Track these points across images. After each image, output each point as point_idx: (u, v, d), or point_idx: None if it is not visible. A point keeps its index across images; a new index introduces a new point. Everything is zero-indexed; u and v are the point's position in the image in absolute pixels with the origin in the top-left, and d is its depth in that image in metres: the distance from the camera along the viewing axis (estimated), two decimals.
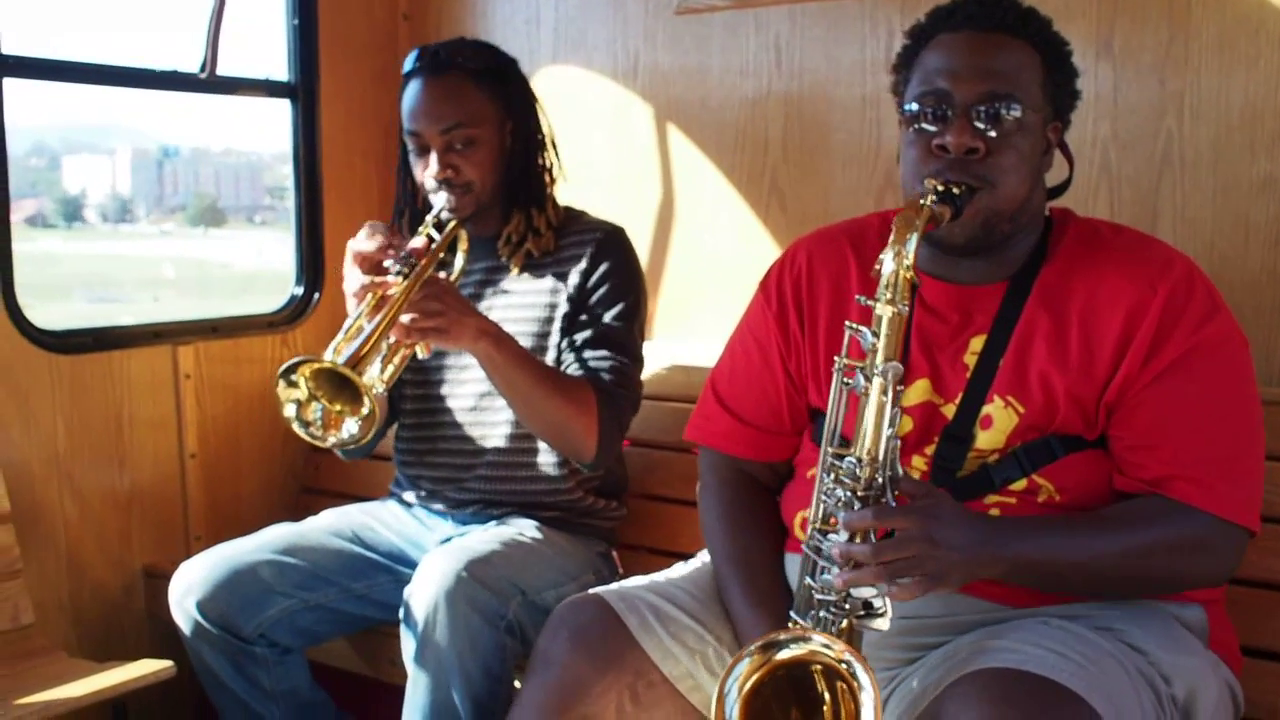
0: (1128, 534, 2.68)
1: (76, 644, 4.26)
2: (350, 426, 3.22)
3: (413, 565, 3.80)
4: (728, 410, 3.24)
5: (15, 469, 4.15)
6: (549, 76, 4.98)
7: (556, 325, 3.82)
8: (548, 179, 3.96)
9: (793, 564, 3.02)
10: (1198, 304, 2.74)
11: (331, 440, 3.25)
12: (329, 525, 4.03)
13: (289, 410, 3.20)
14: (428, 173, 3.76)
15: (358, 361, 3.17)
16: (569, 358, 3.78)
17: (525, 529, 3.78)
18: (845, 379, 2.61)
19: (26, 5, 4.30)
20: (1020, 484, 2.79)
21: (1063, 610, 2.72)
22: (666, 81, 4.78)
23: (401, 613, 3.49)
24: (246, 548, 3.82)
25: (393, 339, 3.40)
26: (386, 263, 3.43)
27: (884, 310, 2.55)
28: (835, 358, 2.64)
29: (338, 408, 3.21)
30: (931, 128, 2.75)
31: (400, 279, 3.38)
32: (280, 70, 5.03)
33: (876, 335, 2.55)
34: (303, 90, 5.02)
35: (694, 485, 3.56)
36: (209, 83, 4.73)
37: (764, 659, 2.47)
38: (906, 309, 2.56)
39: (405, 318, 3.36)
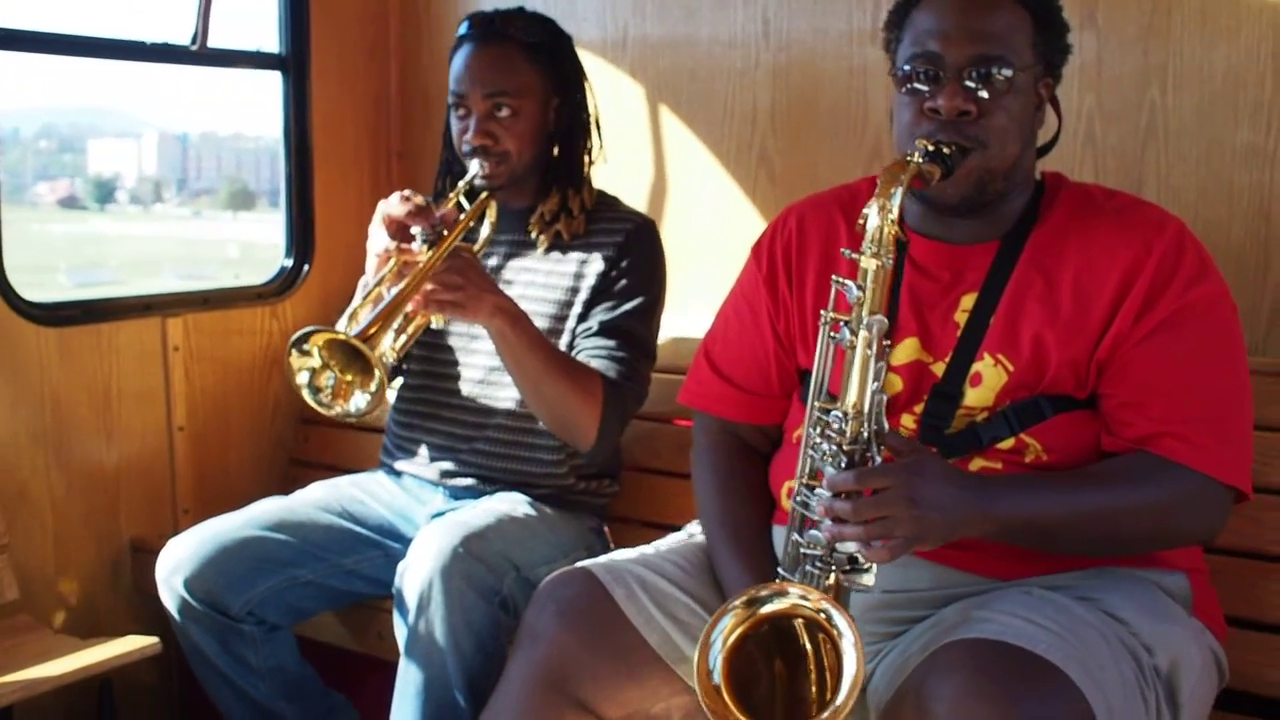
0: (1114, 491, 2.70)
1: (62, 620, 4.26)
2: (359, 400, 3.25)
3: (403, 540, 3.81)
4: (719, 374, 3.26)
5: (2, 442, 4.15)
6: None
7: (575, 310, 3.82)
8: (587, 160, 3.97)
9: (779, 536, 3.02)
10: (1190, 264, 2.76)
11: (338, 410, 3.28)
12: (318, 500, 4.02)
13: (302, 378, 3.24)
14: (466, 136, 3.78)
15: (370, 335, 3.19)
16: (582, 344, 3.78)
17: (518, 504, 3.78)
18: (832, 333, 2.62)
19: None
20: (1008, 443, 2.80)
21: (1046, 581, 2.74)
22: (655, 53, 4.77)
23: (395, 587, 3.49)
24: (234, 524, 3.80)
25: (410, 308, 3.42)
26: (414, 229, 3.44)
27: (869, 263, 2.56)
28: (821, 311, 2.66)
29: (349, 378, 3.24)
30: (923, 88, 2.77)
31: (425, 248, 3.41)
32: (271, 42, 5.00)
33: (862, 289, 2.56)
34: (293, 62, 5.00)
35: (685, 457, 3.56)
36: (200, 55, 4.71)
37: (747, 614, 2.51)
38: (891, 262, 2.57)
39: (425, 287, 3.37)
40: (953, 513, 2.50)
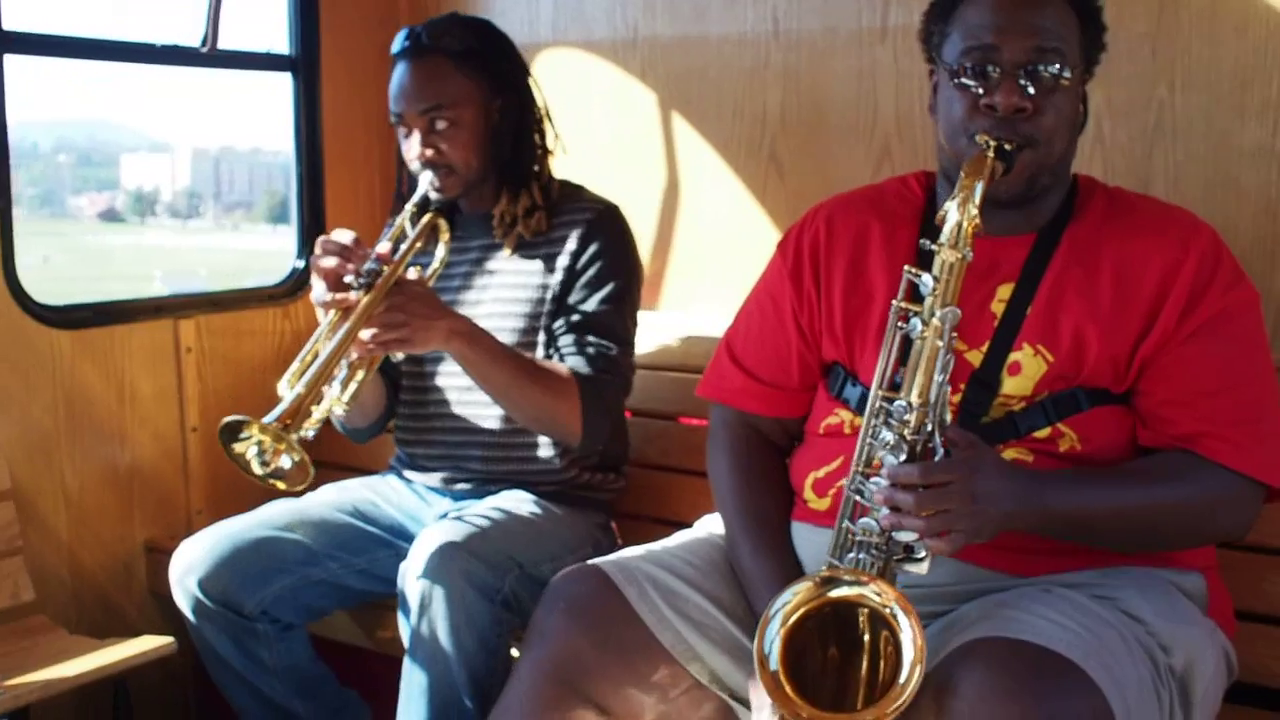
0: (1157, 488, 2.72)
1: (77, 621, 4.26)
2: (284, 460, 3.22)
3: (412, 540, 3.81)
4: (740, 367, 3.25)
5: (16, 445, 4.17)
6: (547, 49, 4.97)
7: (547, 306, 3.82)
8: (539, 155, 3.95)
9: (800, 533, 3.05)
10: (1227, 267, 2.80)
11: (273, 468, 3.25)
12: (330, 500, 4.03)
13: (251, 452, 3.23)
14: (412, 154, 3.79)
15: (293, 414, 3.18)
16: (556, 342, 3.79)
17: (523, 502, 3.78)
18: (900, 323, 2.64)
19: None
20: (1044, 432, 2.81)
21: (1065, 579, 2.74)
22: (666, 52, 4.77)
23: (398, 588, 3.49)
24: (247, 524, 3.81)
25: (354, 356, 3.43)
26: (347, 278, 3.41)
27: (949, 255, 2.59)
28: (893, 301, 2.67)
29: (282, 445, 3.19)
30: (974, 84, 2.76)
31: (362, 291, 3.38)
32: (281, 44, 5.02)
33: (937, 279, 2.59)
34: (304, 64, 5.02)
35: (695, 454, 3.56)
36: (210, 57, 4.73)
37: (817, 592, 2.51)
38: (970, 255, 2.59)
39: (365, 333, 3.36)
40: (1006, 507, 2.52)
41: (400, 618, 3.50)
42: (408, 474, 4.10)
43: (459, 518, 3.60)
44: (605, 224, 3.87)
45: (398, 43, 3.84)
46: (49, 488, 4.28)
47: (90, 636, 3.96)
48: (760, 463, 3.22)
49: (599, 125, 4.78)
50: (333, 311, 3.40)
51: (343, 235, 3.46)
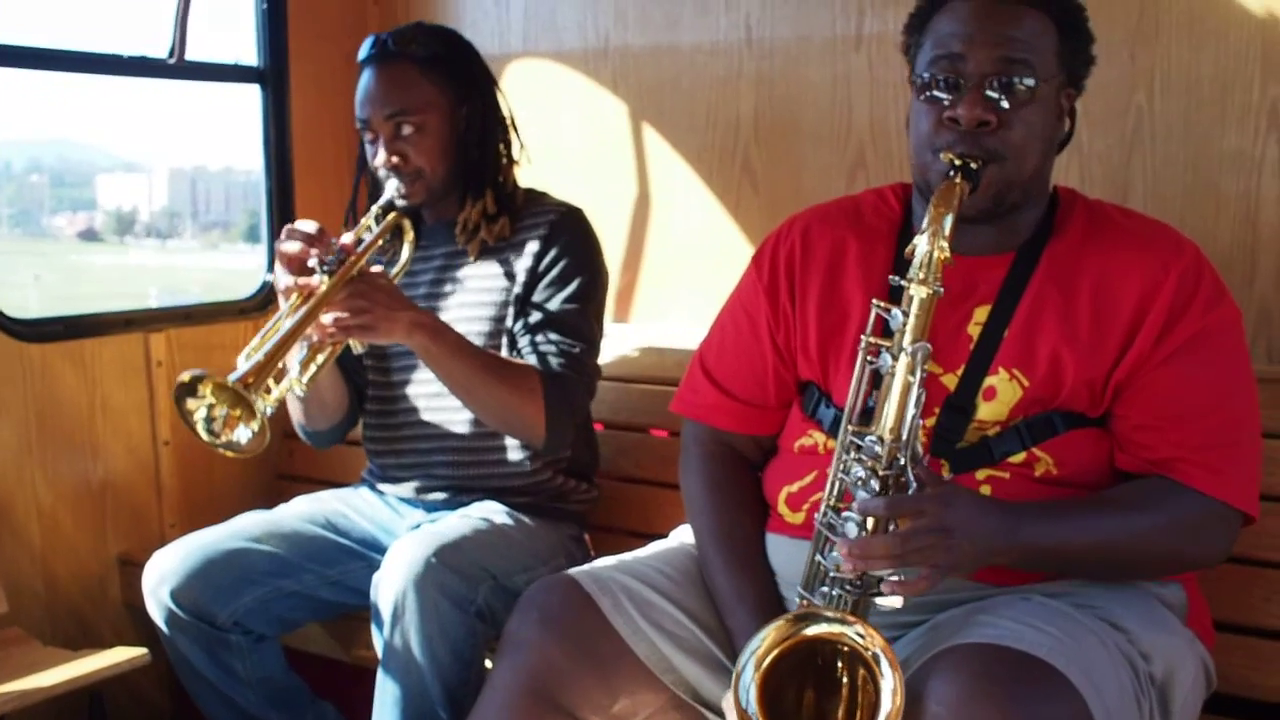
0: (1132, 516, 2.70)
1: (51, 633, 4.25)
2: (241, 433, 3.20)
3: (385, 552, 3.80)
4: (714, 384, 3.23)
5: None
6: (519, 58, 4.97)
7: (510, 309, 3.82)
8: (504, 163, 3.96)
9: (774, 544, 3.04)
10: (1207, 286, 2.77)
11: (223, 440, 3.22)
12: (302, 512, 4.02)
13: (200, 414, 3.19)
14: (377, 160, 3.79)
15: (255, 374, 3.15)
16: (520, 342, 3.78)
17: (495, 513, 3.78)
18: (870, 358, 2.62)
19: None
20: (1019, 457, 2.79)
21: (1046, 588, 2.73)
22: (637, 62, 4.77)
23: (371, 599, 3.49)
24: (220, 535, 3.80)
25: (315, 338, 3.42)
26: (311, 262, 3.40)
27: (917, 290, 2.56)
28: (862, 336, 2.65)
29: (236, 413, 3.18)
30: (943, 96, 2.74)
31: (326, 278, 3.37)
32: (249, 55, 5.00)
33: (906, 315, 2.56)
34: (272, 75, 5.01)
35: (667, 467, 3.56)
36: (178, 68, 4.71)
37: (792, 630, 2.47)
38: (940, 290, 2.56)
39: (327, 317, 3.36)
40: (983, 543, 2.51)
41: (374, 629, 3.50)
42: (380, 486, 4.09)
43: (431, 529, 3.59)
44: (568, 225, 3.86)
45: (364, 49, 3.85)
46: (22, 500, 4.27)
47: (65, 648, 3.94)
48: (733, 479, 3.21)
49: (571, 136, 4.78)
50: (294, 296, 3.39)
51: (308, 224, 3.46)
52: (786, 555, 2.97)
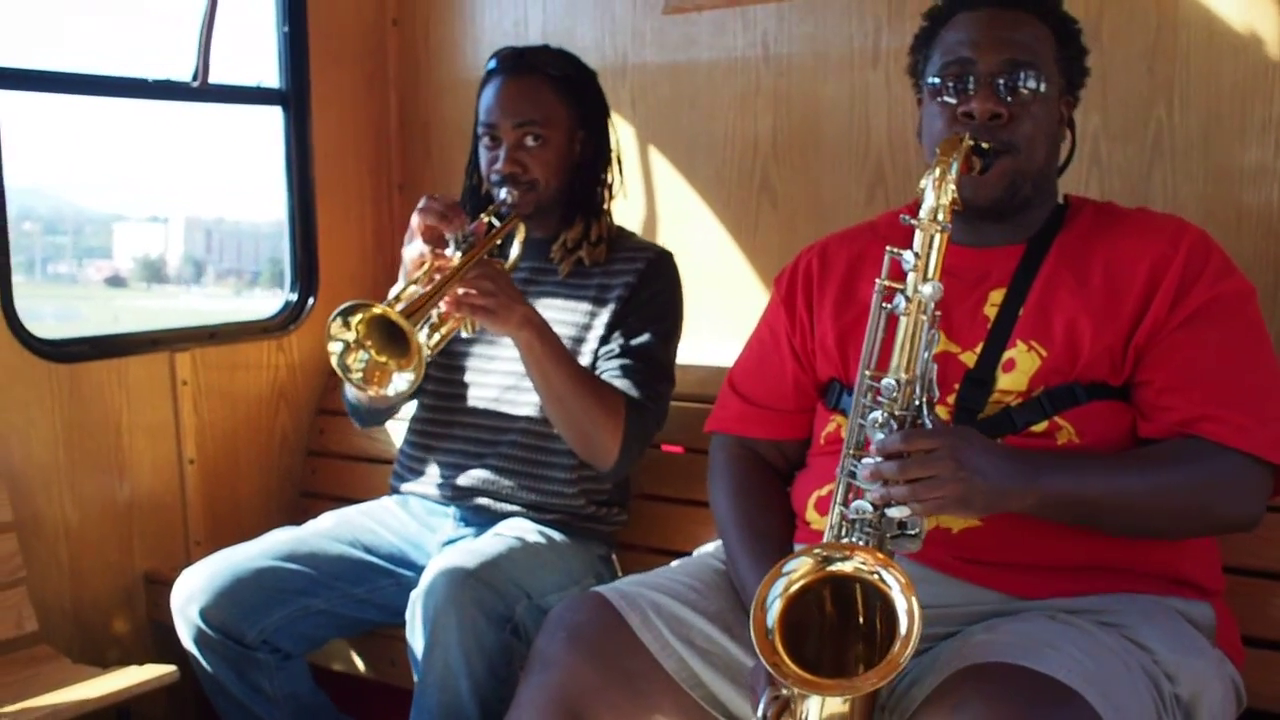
0: (1160, 470, 2.71)
1: (80, 651, 4.25)
2: (398, 382, 3.27)
3: (414, 567, 3.83)
4: (740, 396, 3.31)
5: (16, 478, 4.17)
6: None
7: (596, 332, 3.86)
8: (608, 194, 4.03)
9: None
10: (1217, 259, 2.84)
11: (371, 393, 3.31)
12: (329, 529, 4.03)
13: (334, 347, 3.24)
14: (496, 165, 3.84)
15: (411, 314, 3.22)
16: (604, 365, 3.81)
17: (528, 532, 3.79)
18: (884, 302, 2.66)
19: (16, 19, 4.30)
20: (1041, 426, 2.81)
21: (1072, 603, 2.73)
22: (655, 80, 4.78)
23: (408, 615, 3.50)
24: (248, 554, 3.82)
25: (443, 308, 3.46)
26: (448, 235, 3.49)
27: (927, 228, 2.62)
28: (875, 280, 2.68)
29: (383, 359, 3.25)
30: (954, 100, 2.85)
31: (458, 254, 3.45)
32: (270, 77, 5.03)
33: (919, 255, 2.61)
34: (294, 97, 5.03)
35: (691, 484, 3.59)
36: (201, 91, 4.73)
37: (817, 564, 2.50)
38: (948, 227, 2.62)
39: (458, 290, 3.42)
40: (997, 481, 2.52)
41: (410, 644, 3.51)
42: (409, 487, 4.11)
43: (469, 546, 3.61)
44: (666, 265, 3.96)
45: (495, 61, 3.94)
46: (50, 519, 4.29)
47: (94, 666, 3.95)
48: (758, 482, 3.24)
49: None
50: (425, 267, 3.47)
51: (447, 199, 3.55)
52: None
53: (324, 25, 5.07)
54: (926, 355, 2.57)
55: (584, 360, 3.83)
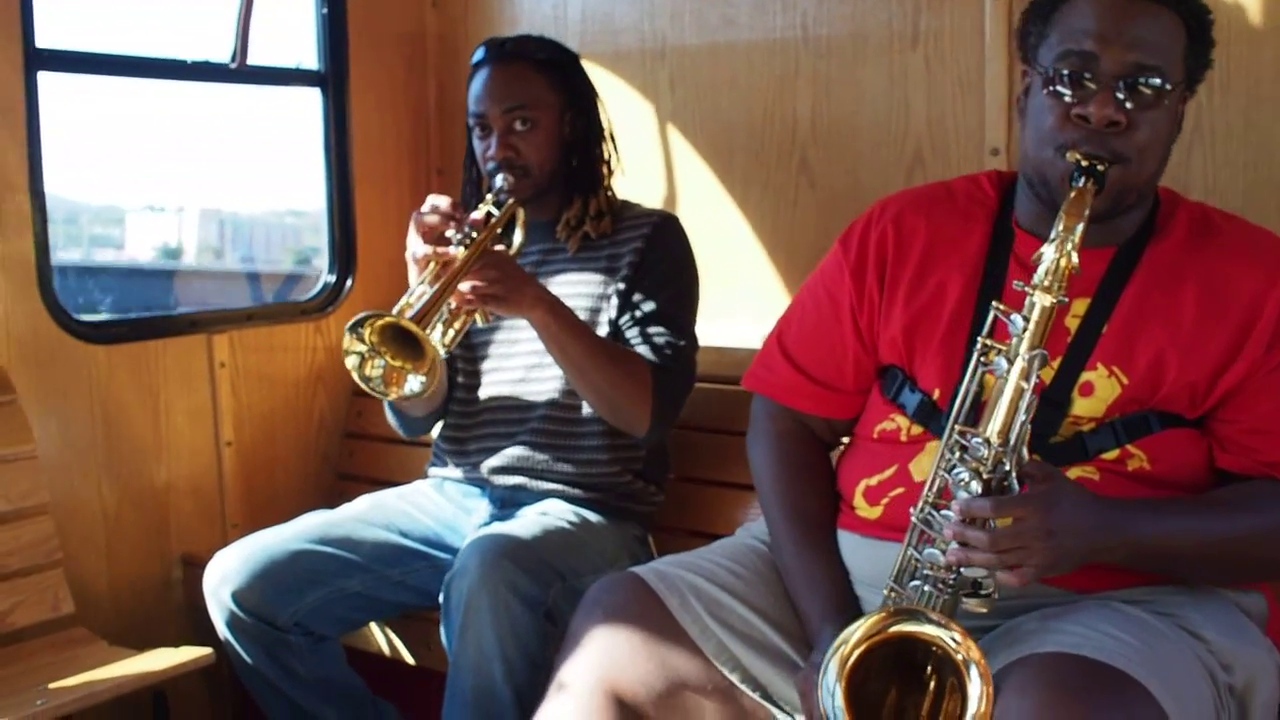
0: (1242, 517, 2.66)
1: (116, 633, 4.23)
2: (413, 383, 3.31)
3: (449, 550, 3.83)
4: (791, 362, 3.18)
5: (54, 459, 4.19)
6: None
7: (612, 300, 3.87)
8: (606, 170, 4.06)
9: (846, 541, 3.00)
10: None
11: (394, 395, 3.35)
12: (364, 513, 4.04)
13: (351, 361, 3.27)
14: (489, 153, 3.87)
15: (421, 318, 3.25)
16: (628, 333, 3.83)
17: (563, 513, 3.80)
18: (983, 360, 2.59)
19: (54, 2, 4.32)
20: (1114, 453, 2.74)
21: (1126, 594, 2.69)
22: (694, 62, 4.77)
23: (442, 598, 3.50)
24: (282, 536, 3.83)
25: (454, 304, 3.49)
26: (449, 233, 3.51)
27: (1041, 298, 2.51)
28: (979, 339, 2.61)
29: (399, 364, 3.30)
30: (1068, 93, 2.66)
31: (461, 249, 3.46)
32: (309, 59, 5.04)
33: (1027, 321, 2.52)
34: (333, 78, 5.04)
35: (729, 466, 3.57)
36: (240, 73, 4.75)
37: (886, 623, 2.41)
38: (1065, 300, 2.53)
39: (465, 285, 3.44)
40: (1087, 540, 2.49)
41: (444, 627, 3.51)
42: (445, 471, 4.13)
43: (503, 528, 3.61)
44: (671, 228, 3.98)
45: (480, 53, 3.98)
46: (87, 501, 4.31)
47: (130, 648, 3.95)
48: (806, 460, 3.18)
49: (627, 136, 4.76)
50: (431, 265, 3.49)
51: (445, 200, 3.58)
52: (858, 554, 2.95)
53: (363, 7, 5.08)
54: (1024, 419, 2.49)
55: (602, 330, 3.85)
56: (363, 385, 3.30)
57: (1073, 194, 2.59)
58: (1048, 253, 2.54)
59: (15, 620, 3.92)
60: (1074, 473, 2.71)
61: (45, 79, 4.14)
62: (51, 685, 3.63)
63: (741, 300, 4.40)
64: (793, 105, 4.57)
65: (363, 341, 3.26)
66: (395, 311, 3.29)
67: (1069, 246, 2.52)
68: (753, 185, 4.69)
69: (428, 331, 3.26)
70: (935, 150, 4.27)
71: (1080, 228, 2.53)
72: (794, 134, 4.58)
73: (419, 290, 3.43)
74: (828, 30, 4.46)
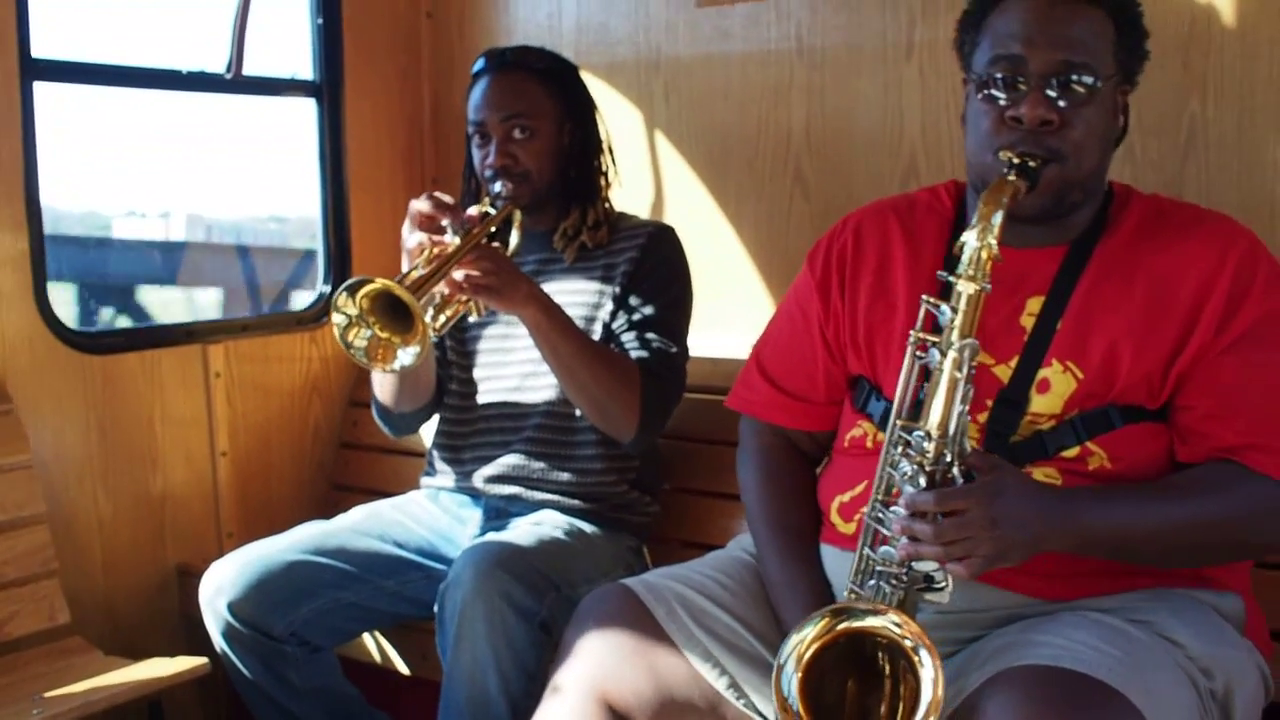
0: (1197, 502, 2.66)
1: (112, 642, 4.26)
2: (403, 357, 3.28)
3: (444, 560, 3.84)
4: (768, 379, 3.24)
5: (50, 469, 4.19)
6: None
7: (606, 307, 3.88)
8: (603, 181, 4.07)
9: (827, 554, 3.03)
10: (1265, 273, 2.73)
11: (378, 368, 3.35)
12: (359, 523, 4.04)
13: (338, 319, 3.26)
14: (488, 161, 3.88)
15: (415, 289, 3.23)
16: (618, 339, 3.84)
17: (558, 524, 3.80)
18: (918, 353, 2.62)
19: (57, 10, 4.33)
20: (1073, 451, 2.75)
21: (1101, 603, 2.70)
22: (688, 73, 4.78)
23: (436, 608, 3.50)
24: (277, 547, 3.83)
25: (446, 291, 3.49)
26: (444, 222, 3.51)
27: (965, 286, 2.56)
28: (910, 332, 2.64)
29: (385, 335, 3.28)
30: (1002, 96, 2.71)
31: (456, 239, 3.47)
32: (304, 69, 5.05)
33: (955, 311, 2.56)
34: (328, 89, 5.05)
35: (723, 477, 3.56)
36: (235, 83, 4.76)
37: (831, 624, 2.47)
38: (988, 288, 2.56)
39: (459, 274, 3.44)
40: (1035, 529, 2.49)
41: (439, 637, 3.51)
42: (440, 481, 4.13)
43: (497, 539, 3.61)
44: (666, 238, 3.99)
45: (480, 63, 3.99)
46: (83, 511, 4.31)
47: (126, 657, 3.96)
48: (789, 473, 3.22)
49: (621, 147, 4.77)
50: (424, 254, 3.48)
51: (443, 196, 3.57)
52: (839, 567, 2.94)
53: (358, 17, 5.09)
54: (961, 409, 2.53)
55: (597, 336, 3.85)
56: (344, 347, 3.28)
57: (993, 183, 2.65)
58: (970, 241, 2.58)
59: (11, 630, 3.92)
60: (1036, 474, 2.74)
61: (41, 89, 4.14)
62: (47, 695, 3.63)
63: (736, 311, 4.41)
64: (787, 116, 4.57)
65: (355, 305, 3.24)
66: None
67: (989, 237, 2.56)
68: (747, 196, 4.70)
69: (421, 302, 3.23)
70: (929, 161, 4.27)
71: (999, 216, 2.57)
72: (788, 145, 4.58)
73: (414, 272, 3.40)
74: (822, 41, 4.46)
